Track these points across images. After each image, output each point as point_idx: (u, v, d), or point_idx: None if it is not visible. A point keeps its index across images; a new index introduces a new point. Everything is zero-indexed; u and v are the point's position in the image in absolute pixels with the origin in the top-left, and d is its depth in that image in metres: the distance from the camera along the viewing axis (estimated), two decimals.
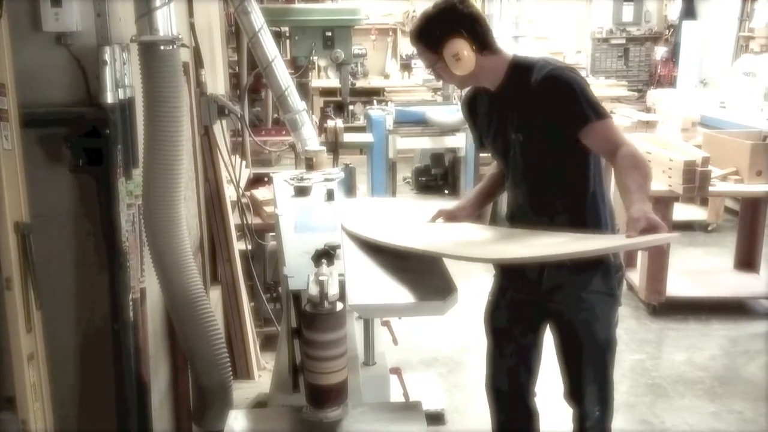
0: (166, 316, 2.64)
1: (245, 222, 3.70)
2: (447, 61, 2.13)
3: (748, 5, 8.93)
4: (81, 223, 2.13)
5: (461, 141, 6.27)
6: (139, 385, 2.22)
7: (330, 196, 2.66)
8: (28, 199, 1.94)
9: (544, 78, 2.10)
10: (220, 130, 3.54)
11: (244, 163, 4.38)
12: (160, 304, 2.57)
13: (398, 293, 1.90)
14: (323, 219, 2.41)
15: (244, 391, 3.44)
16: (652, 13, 11.09)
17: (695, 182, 4.31)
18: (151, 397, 2.32)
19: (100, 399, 2.16)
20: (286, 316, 1.97)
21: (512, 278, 2.37)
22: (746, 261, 4.98)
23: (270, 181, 3.28)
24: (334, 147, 3.91)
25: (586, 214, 2.21)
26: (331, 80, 9.52)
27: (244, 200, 3.72)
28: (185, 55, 2.86)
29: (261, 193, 3.90)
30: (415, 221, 2.51)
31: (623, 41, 11.05)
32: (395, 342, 3.12)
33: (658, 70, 10.81)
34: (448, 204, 2.51)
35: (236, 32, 5.16)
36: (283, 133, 4.63)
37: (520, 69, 2.18)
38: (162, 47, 2.08)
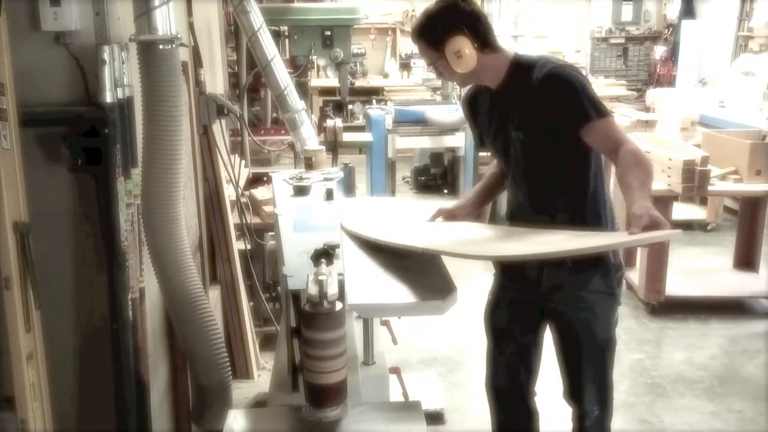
0: (165, 315, 2.64)
1: (244, 221, 3.70)
2: (448, 58, 2.13)
3: (747, 5, 8.93)
4: (80, 222, 2.13)
5: (460, 140, 6.27)
6: (138, 385, 2.22)
7: (329, 195, 2.66)
8: (27, 199, 1.94)
9: (546, 76, 2.10)
10: (219, 130, 3.54)
11: (243, 162, 4.38)
12: (159, 303, 2.57)
13: (398, 293, 1.90)
14: (322, 218, 2.41)
15: (243, 391, 3.44)
16: (651, 13, 11.10)
17: (694, 182, 4.32)
18: (150, 396, 2.32)
19: (99, 398, 2.16)
20: (285, 316, 1.97)
21: (512, 278, 2.37)
22: (745, 260, 4.98)
23: (269, 181, 3.28)
24: (334, 146, 3.91)
25: (587, 213, 2.21)
26: (331, 79, 9.52)
27: (243, 200, 3.72)
28: (184, 54, 2.86)
29: (260, 192, 3.90)
30: (414, 220, 2.51)
31: (622, 40, 11.06)
32: (394, 341, 3.12)
33: (658, 70, 10.82)
34: (448, 203, 2.51)
35: (235, 31, 5.15)
36: (282, 132, 4.61)
37: (522, 67, 2.18)
38: (161, 46, 2.08)
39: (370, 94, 9.57)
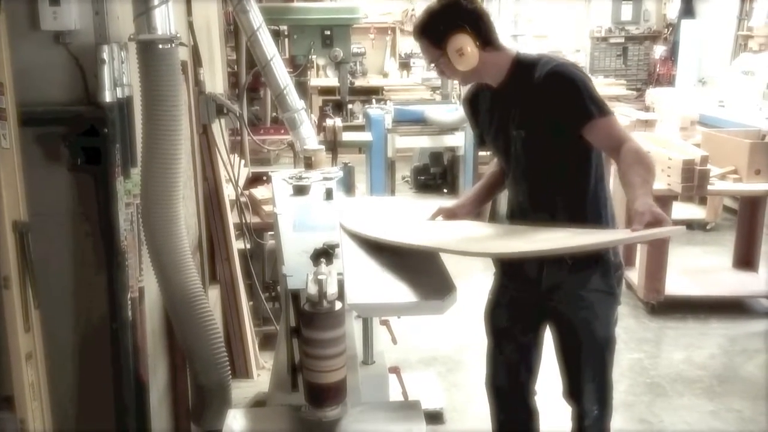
0: (164, 315, 2.64)
1: (244, 221, 3.70)
2: (450, 56, 2.13)
3: (747, 4, 8.93)
4: (79, 222, 2.13)
5: (460, 140, 6.28)
6: (138, 384, 2.22)
7: (329, 195, 2.66)
8: (27, 198, 1.94)
9: (548, 74, 2.10)
10: (219, 129, 3.54)
11: (242, 162, 4.38)
12: (158, 303, 2.57)
13: (397, 292, 1.90)
14: (322, 218, 2.41)
15: (242, 390, 3.44)
16: (650, 12, 11.10)
17: (694, 181, 4.32)
18: (149, 396, 2.32)
19: (99, 398, 2.16)
20: (284, 315, 1.97)
21: (512, 277, 2.37)
22: (745, 260, 4.99)
23: (269, 180, 3.28)
24: (333, 146, 3.91)
25: (587, 212, 2.21)
26: (330, 79, 9.52)
27: (242, 199, 3.72)
28: (184, 53, 2.85)
29: (260, 192, 3.90)
30: (414, 219, 2.51)
31: (622, 40, 11.06)
32: (394, 341, 3.12)
33: (657, 69, 10.82)
34: (448, 202, 2.51)
35: (235, 31, 5.15)
36: (282, 131, 4.61)
37: (523, 65, 2.18)
38: (160, 46, 2.08)
39: (370, 93, 9.57)
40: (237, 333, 3.59)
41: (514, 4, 7.19)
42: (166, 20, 2.10)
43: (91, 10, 2.02)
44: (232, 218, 3.61)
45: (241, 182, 3.88)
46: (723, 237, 5.93)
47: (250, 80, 4.84)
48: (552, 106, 2.09)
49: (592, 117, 2.06)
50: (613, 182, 2.87)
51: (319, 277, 1.60)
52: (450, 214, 2.43)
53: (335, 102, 8.87)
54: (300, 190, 2.77)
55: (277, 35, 4.66)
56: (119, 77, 2.06)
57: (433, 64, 2.28)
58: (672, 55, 10.52)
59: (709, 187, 4.46)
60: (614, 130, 2.09)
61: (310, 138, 3.67)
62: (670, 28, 10.82)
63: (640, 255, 4.69)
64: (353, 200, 3.18)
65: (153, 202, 2.16)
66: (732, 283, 4.84)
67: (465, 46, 2.11)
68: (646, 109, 7.71)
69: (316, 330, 1.62)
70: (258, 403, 3.32)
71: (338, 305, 1.63)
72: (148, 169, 2.14)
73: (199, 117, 3.30)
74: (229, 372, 2.55)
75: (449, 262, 2.05)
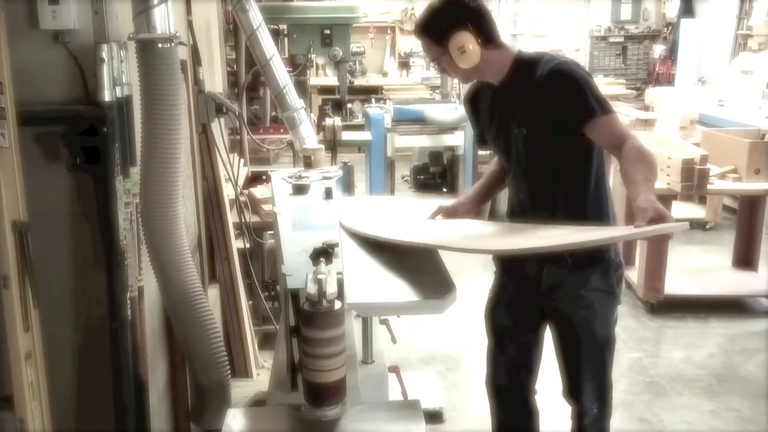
0: (164, 314, 2.64)
1: (243, 220, 3.70)
2: (452, 54, 2.13)
3: (747, 3, 8.93)
4: (78, 221, 2.13)
5: (460, 139, 6.28)
6: (137, 384, 2.22)
7: (328, 194, 2.66)
8: (26, 198, 1.94)
9: (550, 72, 2.10)
10: (218, 128, 3.53)
11: (242, 161, 4.38)
12: (158, 302, 2.56)
13: (397, 292, 1.90)
14: (321, 217, 2.41)
15: (242, 390, 3.44)
16: (650, 12, 11.11)
17: (693, 180, 4.32)
18: (149, 395, 2.31)
19: (98, 397, 2.16)
20: (284, 315, 1.97)
21: (512, 276, 2.37)
22: (744, 259, 4.99)
23: (268, 180, 3.28)
24: (333, 145, 3.90)
25: (588, 210, 2.21)
26: (330, 78, 9.53)
27: (242, 198, 3.72)
28: (183, 53, 2.85)
29: (259, 191, 3.90)
30: (414, 218, 2.50)
31: (621, 39, 11.07)
32: (394, 340, 3.12)
33: (657, 68, 10.82)
34: (447, 201, 2.51)
35: (234, 30, 5.15)
36: (281, 131, 4.61)
37: (525, 63, 2.18)
38: (160, 45, 2.07)
39: (369, 92, 9.57)
40: (236, 332, 3.59)
41: (513, 3, 7.19)
42: (165, 19, 2.10)
43: (91, 9, 2.02)
44: (231, 217, 3.61)
45: (241, 181, 3.88)
46: (722, 236, 5.93)
47: (250, 79, 4.85)
48: (554, 104, 2.09)
49: (594, 115, 2.07)
50: (612, 180, 2.87)
51: (319, 276, 1.60)
52: (450, 213, 2.43)
53: (335, 101, 8.88)
54: (299, 190, 2.77)
55: (276, 34, 4.66)
56: (118, 76, 2.06)
57: (434, 62, 2.28)
58: (671, 55, 10.52)
59: (709, 187, 4.47)
60: (616, 128, 2.09)
61: (309, 137, 3.67)
62: (670, 28, 10.82)
63: (639, 254, 4.69)
64: (353, 199, 3.18)
65: (152, 201, 2.16)
66: (731, 282, 4.84)
67: (467, 43, 2.11)
68: (646, 108, 7.71)
69: (315, 329, 1.62)
70: (257, 403, 3.32)
71: (338, 304, 1.63)
72: (147, 169, 2.14)
73: (199, 116, 3.29)
74: (229, 371, 2.55)
75: (449, 261, 2.05)
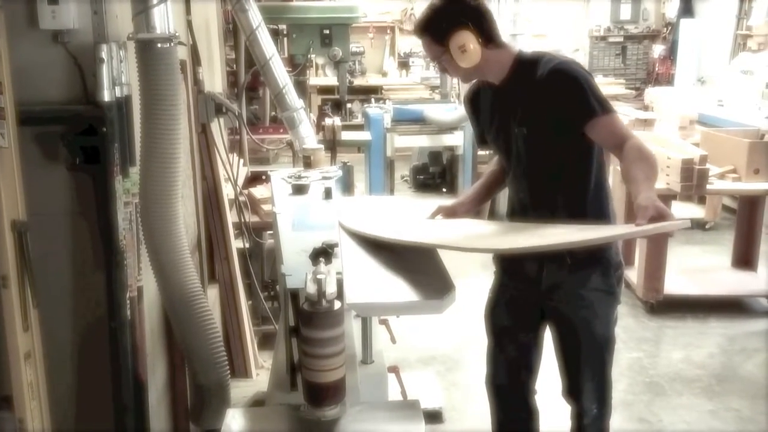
0: (163, 314, 2.64)
1: (243, 220, 3.69)
2: (453, 53, 2.13)
3: (746, 3, 8.93)
4: (78, 221, 2.13)
5: (459, 139, 6.28)
6: (136, 384, 2.22)
7: (328, 194, 2.66)
8: (25, 198, 1.94)
9: (551, 71, 2.10)
10: (218, 128, 3.53)
11: (241, 161, 4.37)
12: (157, 302, 2.56)
13: (396, 291, 1.90)
14: (321, 217, 2.41)
15: (241, 390, 3.43)
16: (649, 11, 11.11)
17: (693, 180, 4.32)
18: (148, 395, 2.31)
19: (97, 397, 2.16)
20: (283, 315, 1.97)
21: (512, 276, 2.37)
22: (744, 259, 4.99)
23: (268, 179, 3.27)
24: (332, 145, 3.90)
25: (588, 209, 2.21)
26: (329, 78, 9.53)
27: (241, 198, 3.71)
28: (182, 52, 2.85)
29: (259, 191, 3.89)
30: (414, 218, 2.50)
31: (621, 39, 11.07)
32: (393, 340, 3.12)
33: (656, 68, 10.82)
34: (447, 201, 2.51)
35: (234, 30, 5.15)
36: (281, 131, 4.61)
37: (526, 63, 2.18)
38: (159, 45, 2.07)
39: (369, 92, 9.57)
40: (236, 332, 3.59)
41: (513, 3, 7.19)
42: (164, 19, 2.10)
43: (90, 9, 2.02)
44: (231, 217, 3.61)
45: (240, 181, 3.87)
46: (722, 236, 5.93)
47: (249, 79, 4.84)
48: (555, 103, 2.09)
49: (595, 114, 2.07)
50: (612, 179, 2.87)
51: (318, 276, 1.60)
52: (449, 213, 2.43)
53: (334, 101, 8.87)
54: (299, 190, 2.76)
55: (276, 34, 4.66)
56: (118, 76, 2.06)
57: (435, 62, 2.28)
58: (671, 55, 10.52)
59: (708, 187, 4.47)
60: (617, 128, 2.09)
61: (309, 137, 3.67)
62: (669, 27, 10.82)
63: (639, 254, 4.69)
64: (352, 199, 3.18)
65: (152, 201, 2.16)
66: (731, 282, 4.85)
67: (467, 43, 2.11)
68: (645, 108, 7.71)
69: (315, 329, 1.62)
70: (257, 403, 3.32)
71: (337, 304, 1.63)
72: (146, 168, 2.14)
73: (198, 116, 3.29)
74: (228, 371, 2.54)
75: (448, 261, 2.05)
